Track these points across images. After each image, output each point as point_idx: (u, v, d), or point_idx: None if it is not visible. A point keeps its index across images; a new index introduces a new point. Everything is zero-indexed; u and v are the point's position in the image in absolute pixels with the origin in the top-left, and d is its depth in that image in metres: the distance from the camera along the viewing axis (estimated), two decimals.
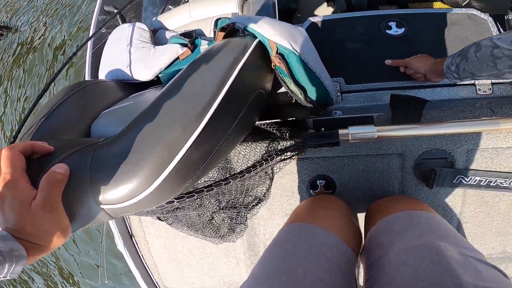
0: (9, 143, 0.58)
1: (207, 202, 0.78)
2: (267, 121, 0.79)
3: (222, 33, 0.76)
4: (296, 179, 0.86)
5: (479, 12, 1.06)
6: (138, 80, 1.02)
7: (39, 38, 4.39)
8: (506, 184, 0.69)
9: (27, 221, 0.30)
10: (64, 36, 4.20)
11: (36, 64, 4.16)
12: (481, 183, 0.70)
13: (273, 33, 0.65)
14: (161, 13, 1.69)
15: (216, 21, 0.99)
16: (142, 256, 1.04)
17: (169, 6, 1.79)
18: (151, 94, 0.86)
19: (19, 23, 4.74)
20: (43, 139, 0.53)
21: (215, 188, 0.57)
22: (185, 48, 0.98)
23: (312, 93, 0.80)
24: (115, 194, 0.38)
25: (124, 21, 1.36)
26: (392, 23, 1.06)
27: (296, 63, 0.70)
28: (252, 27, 0.66)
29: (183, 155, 0.40)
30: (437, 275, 0.39)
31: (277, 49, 0.67)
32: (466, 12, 1.06)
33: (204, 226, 0.87)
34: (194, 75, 0.52)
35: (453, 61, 0.70)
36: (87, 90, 0.82)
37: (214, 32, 0.82)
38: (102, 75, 1.06)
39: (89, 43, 1.31)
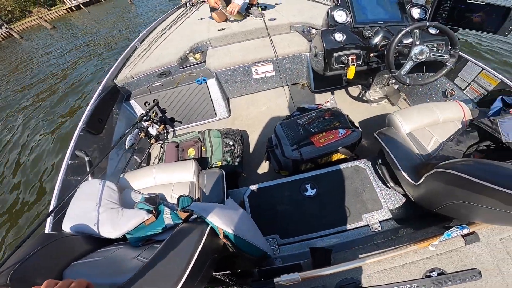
0: None
1: None
2: (222, 273, 1.00)
3: (184, 214, 1.02)
4: None
5: (361, 163, 1.52)
6: (104, 237, 1.13)
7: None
8: None
9: None
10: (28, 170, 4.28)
11: None
12: None
13: (220, 222, 0.93)
14: (126, 163, 1.95)
15: (179, 198, 1.28)
16: None
17: (134, 157, 2.09)
18: (121, 252, 1.04)
19: None
20: (22, 279, 0.74)
21: None
22: (150, 215, 1.18)
23: (253, 253, 1.06)
24: None
25: (93, 169, 1.54)
26: (308, 185, 1.47)
27: (238, 241, 0.96)
28: (206, 217, 0.93)
29: None
30: None
31: (224, 233, 0.93)
32: (352, 165, 1.53)
33: None
34: (170, 254, 0.74)
35: None
36: (58, 243, 0.97)
37: (177, 209, 1.08)
38: (67, 226, 1.13)
39: (55, 192, 1.42)
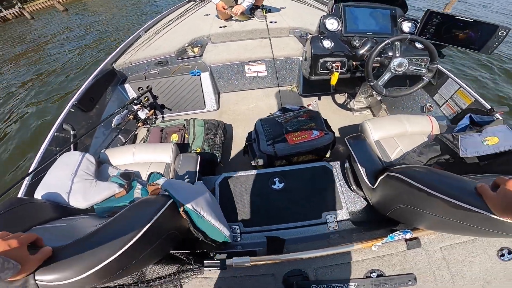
0: None
1: None
2: (180, 252, 1.06)
3: (152, 187, 1.09)
4: None
5: (330, 164, 1.58)
6: (73, 206, 1.17)
7: None
8: (345, 287, 0.99)
9: (26, 263, 0.56)
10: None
11: None
12: None
13: (182, 198, 0.99)
14: (111, 141, 2.01)
15: (150, 174, 1.34)
16: None
17: (120, 136, 2.16)
18: (85, 221, 1.06)
19: None
20: None
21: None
22: (122, 189, 1.23)
23: (211, 236, 1.12)
24: (55, 275, 0.59)
25: (76, 140, 1.59)
26: (276, 179, 1.53)
27: (196, 217, 1.03)
28: (170, 191, 1.00)
29: (103, 266, 0.64)
30: None
31: (184, 208, 1.00)
32: (321, 165, 1.58)
33: None
34: (127, 218, 0.80)
35: None
36: (25, 208, 1.01)
37: (147, 184, 1.15)
38: (40, 193, 1.15)
39: (35, 160, 1.46)
